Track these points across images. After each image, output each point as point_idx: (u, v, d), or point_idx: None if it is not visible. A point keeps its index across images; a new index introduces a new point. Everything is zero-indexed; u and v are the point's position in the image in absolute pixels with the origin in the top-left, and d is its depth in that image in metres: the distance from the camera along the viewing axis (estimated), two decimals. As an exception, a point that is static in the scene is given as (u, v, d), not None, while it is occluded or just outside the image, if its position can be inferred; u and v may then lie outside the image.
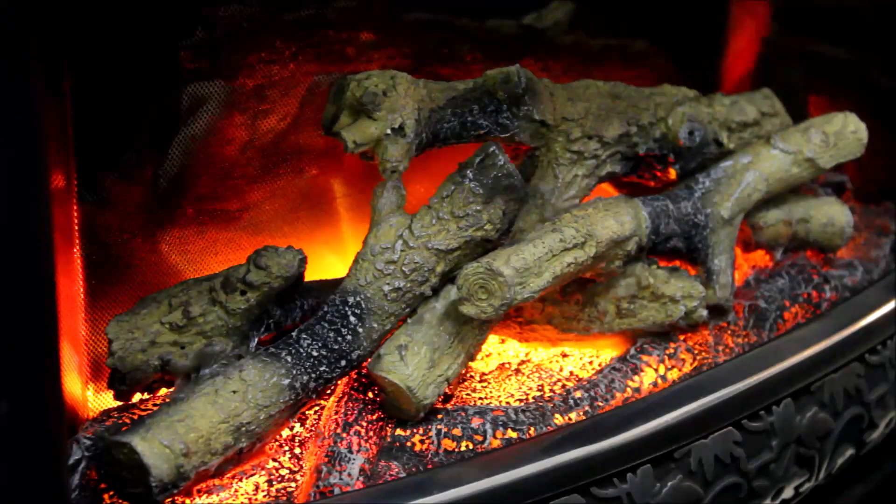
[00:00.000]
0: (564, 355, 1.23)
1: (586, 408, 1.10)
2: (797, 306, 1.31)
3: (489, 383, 1.16)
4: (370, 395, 1.05)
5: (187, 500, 0.94)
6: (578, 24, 1.47)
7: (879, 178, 1.64)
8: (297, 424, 1.05)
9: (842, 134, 1.32)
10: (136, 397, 1.05)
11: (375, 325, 1.04)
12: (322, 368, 1.00)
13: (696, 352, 1.20)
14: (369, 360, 1.04)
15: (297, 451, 1.03)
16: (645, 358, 1.17)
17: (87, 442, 0.96)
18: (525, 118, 1.17)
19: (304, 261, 1.05)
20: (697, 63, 1.63)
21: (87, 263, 1.07)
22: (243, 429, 0.95)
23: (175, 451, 0.90)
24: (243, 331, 1.04)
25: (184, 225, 1.17)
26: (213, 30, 1.13)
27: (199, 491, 0.95)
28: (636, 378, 1.16)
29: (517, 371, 1.19)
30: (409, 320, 1.06)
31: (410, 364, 1.02)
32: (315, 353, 1.00)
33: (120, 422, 1.00)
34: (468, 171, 1.07)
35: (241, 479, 0.98)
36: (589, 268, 1.12)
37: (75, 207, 1.05)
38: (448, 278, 1.07)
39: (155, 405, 1.04)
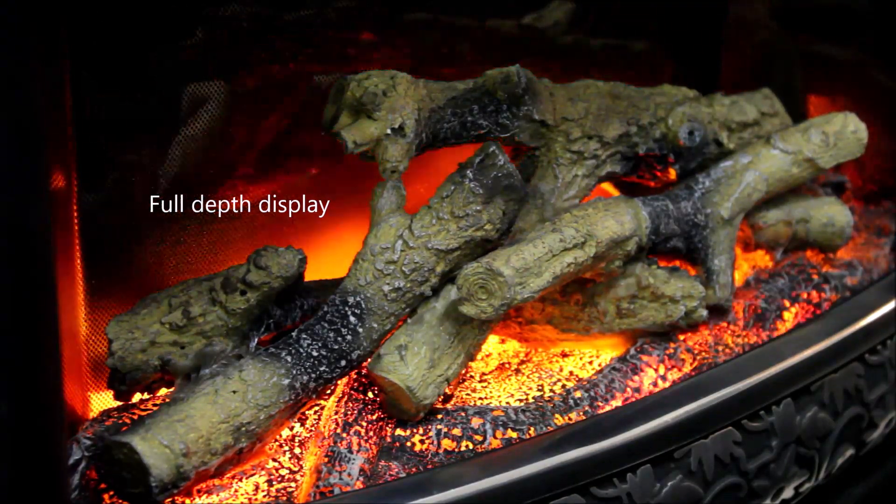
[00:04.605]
0: (564, 355, 1.23)
1: (586, 408, 1.10)
2: (797, 306, 1.31)
3: (489, 383, 1.16)
4: (370, 395, 1.05)
5: (187, 500, 0.94)
6: (578, 24, 1.47)
7: (879, 178, 1.64)
8: (297, 424, 1.05)
9: (842, 134, 1.32)
10: (136, 397, 1.06)
11: (375, 325, 1.04)
12: (322, 368, 1.00)
13: (696, 352, 1.20)
14: (369, 360, 1.04)
15: (297, 451, 1.03)
16: (645, 358, 1.17)
17: (87, 442, 0.96)
18: (525, 118, 1.17)
19: (304, 261, 1.05)
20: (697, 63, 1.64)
21: (87, 263, 1.07)
22: (243, 429, 0.95)
23: (175, 451, 0.90)
24: (243, 331, 1.04)
25: (184, 225, 1.17)
26: (213, 30, 1.13)
27: (199, 491, 0.95)
28: (636, 378, 1.16)
29: (517, 371, 1.19)
30: (409, 320, 1.06)
31: (410, 364, 1.02)
32: (315, 353, 1.00)
33: (120, 422, 1.00)
34: (468, 171, 1.07)
35: (241, 479, 0.98)
36: (589, 268, 1.12)
37: (75, 207, 1.05)
38: (448, 278, 1.07)
39: (155, 405, 1.04)
